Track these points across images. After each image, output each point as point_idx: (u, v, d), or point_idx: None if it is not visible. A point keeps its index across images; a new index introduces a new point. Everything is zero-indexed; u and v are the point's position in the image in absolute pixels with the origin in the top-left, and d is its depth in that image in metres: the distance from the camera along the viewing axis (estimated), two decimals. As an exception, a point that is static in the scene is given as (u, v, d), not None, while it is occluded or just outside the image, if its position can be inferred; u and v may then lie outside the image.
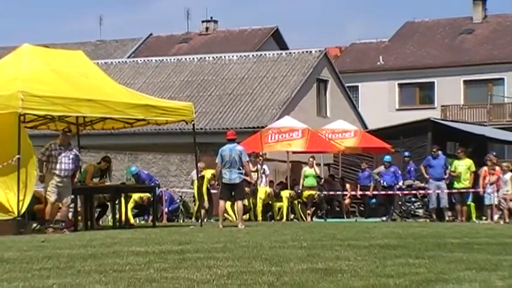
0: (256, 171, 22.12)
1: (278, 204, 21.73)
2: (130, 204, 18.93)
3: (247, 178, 18.19)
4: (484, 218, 21.98)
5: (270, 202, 21.64)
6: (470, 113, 42.24)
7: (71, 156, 14.95)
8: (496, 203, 21.71)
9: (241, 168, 16.30)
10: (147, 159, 26.01)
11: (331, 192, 23.77)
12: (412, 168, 23.75)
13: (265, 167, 22.83)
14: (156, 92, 32.22)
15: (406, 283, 7.10)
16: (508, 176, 21.87)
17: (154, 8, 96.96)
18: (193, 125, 17.35)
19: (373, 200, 24.02)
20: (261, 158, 22.85)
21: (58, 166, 14.77)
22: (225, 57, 35.48)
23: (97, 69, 17.25)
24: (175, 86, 34.31)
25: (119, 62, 38.13)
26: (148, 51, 45.92)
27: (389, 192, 22.93)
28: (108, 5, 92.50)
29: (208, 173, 20.17)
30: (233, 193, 16.47)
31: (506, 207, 21.87)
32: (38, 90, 14.84)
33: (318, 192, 22.80)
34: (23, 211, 14.49)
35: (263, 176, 22.48)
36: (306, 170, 23.30)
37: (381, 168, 23.89)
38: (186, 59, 36.54)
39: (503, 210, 21.85)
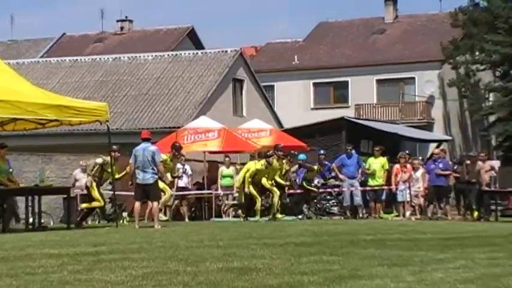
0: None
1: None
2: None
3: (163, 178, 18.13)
4: (396, 214, 22.45)
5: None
6: (383, 112, 42.98)
7: None
8: (408, 199, 22.20)
9: (155, 168, 16.23)
10: (61, 160, 25.58)
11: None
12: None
13: (187, 166, 22.74)
14: (71, 92, 31.76)
15: (320, 280, 7.19)
16: (419, 173, 22.40)
17: (67, 7, 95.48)
18: (108, 125, 17.17)
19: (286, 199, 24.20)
20: (182, 157, 22.81)
21: None
22: (140, 57, 35.25)
23: (8, 69, 16.91)
24: (90, 86, 33.90)
25: (31, 61, 37.44)
26: (62, 51, 45.20)
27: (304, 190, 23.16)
28: (19, 4, 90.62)
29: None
30: (147, 194, 16.39)
31: (417, 203, 22.40)
32: None
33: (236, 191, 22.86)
34: None
35: (184, 175, 22.38)
36: (223, 170, 23.36)
37: (296, 166, 24.11)
38: (100, 58, 36.15)
39: (415, 207, 22.37)
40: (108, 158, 17.49)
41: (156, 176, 16.33)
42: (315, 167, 22.64)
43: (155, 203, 16.51)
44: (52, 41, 48.84)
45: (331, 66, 44.15)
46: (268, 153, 19.72)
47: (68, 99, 17.84)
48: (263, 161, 19.52)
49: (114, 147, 17.91)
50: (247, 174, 19.33)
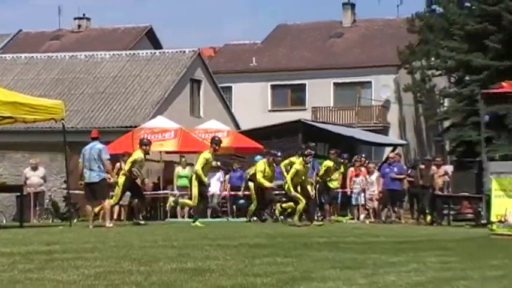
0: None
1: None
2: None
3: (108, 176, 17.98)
4: (350, 217, 22.61)
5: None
6: (339, 115, 43.21)
7: None
8: (363, 203, 22.38)
9: (101, 166, 16.20)
10: (16, 158, 25.30)
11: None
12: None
13: None
14: (26, 89, 31.42)
15: (273, 282, 7.22)
16: (374, 176, 22.59)
17: (24, 4, 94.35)
18: (63, 123, 17.05)
19: (242, 201, 24.23)
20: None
21: None
22: (97, 55, 35.02)
23: (-38, 65, 16.69)
24: (46, 83, 33.59)
25: (-14, 58, 36.97)
26: (18, 47, 44.67)
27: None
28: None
29: None
30: (94, 193, 16.33)
31: (372, 207, 22.59)
32: None
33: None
34: None
35: None
36: (180, 170, 23.34)
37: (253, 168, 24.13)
38: (57, 56, 35.85)
39: (369, 210, 22.56)
40: (142, 155, 17.29)
41: (103, 175, 16.30)
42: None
43: (106, 202, 16.45)
44: (8, 38, 48.24)
45: (289, 69, 44.29)
46: (306, 153, 18.06)
47: (23, 96, 17.65)
48: (301, 161, 17.93)
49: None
50: (289, 178, 17.82)
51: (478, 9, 37.50)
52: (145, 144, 17.50)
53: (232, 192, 24.40)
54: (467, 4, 39.60)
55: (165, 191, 23.33)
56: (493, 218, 16.56)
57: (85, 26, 49.83)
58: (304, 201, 17.59)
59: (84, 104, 31.94)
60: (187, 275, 7.52)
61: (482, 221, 18.71)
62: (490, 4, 36.49)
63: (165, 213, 22.78)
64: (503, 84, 19.17)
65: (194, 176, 17.51)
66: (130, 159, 17.35)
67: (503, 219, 15.29)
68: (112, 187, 18.20)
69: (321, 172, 20.79)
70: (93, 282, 7.03)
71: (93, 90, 32.67)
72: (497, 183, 17.31)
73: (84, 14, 50.42)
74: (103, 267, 8.04)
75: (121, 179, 17.28)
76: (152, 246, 10.75)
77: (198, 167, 17.32)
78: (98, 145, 16.44)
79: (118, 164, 22.04)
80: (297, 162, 17.91)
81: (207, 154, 17.44)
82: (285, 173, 18.23)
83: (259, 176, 18.88)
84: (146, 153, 17.58)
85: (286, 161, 18.60)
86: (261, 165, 19.29)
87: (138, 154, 17.34)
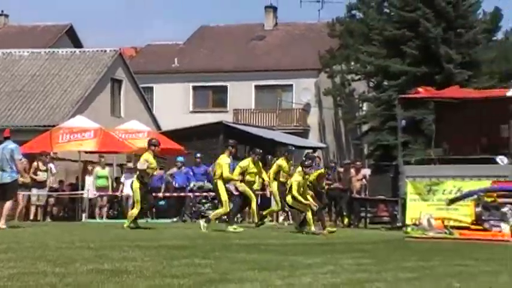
0: (46, 170, 21.83)
1: None
2: None
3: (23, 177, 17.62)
4: (269, 219, 22.71)
5: None
6: (260, 117, 43.44)
7: None
8: (282, 205, 22.50)
9: (13, 167, 15.94)
10: None
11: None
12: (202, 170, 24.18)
13: (51, 165, 22.44)
14: None
15: (190, 283, 7.24)
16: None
17: None
18: (-22, 122, 16.73)
19: (162, 202, 24.18)
20: (47, 157, 22.46)
21: None
22: (15, 52, 34.41)
23: None
24: (-39, 80, 32.82)
25: None
26: None
27: (181, 193, 23.15)
28: None
29: None
30: (5, 193, 16.04)
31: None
32: None
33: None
34: None
35: (49, 174, 22.17)
36: (98, 170, 23.12)
37: (174, 169, 24.11)
38: (-27, 52, 35.07)
39: (288, 212, 22.72)
40: (152, 156, 16.50)
41: (15, 175, 16.01)
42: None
43: (8, 202, 16.14)
44: None
45: (211, 70, 44.31)
46: (306, 164, 16.91)
47: None
48: (300, 172, 16.76)
49: None
50: (295, 191, 16.64)
51: (397, 15, 38.25)
52: (154, 144, 16.82)
53: (153, 194, 24.27)
54: (386, 10, 40.36)
55: (83, 191, 23.07)
56: (408, 221, 16.94)
57: (3, 23, 48.82)
58: (309, 210, 16.85)
59: (1, 102, 31.35)
60: (104, 276, 7.47)
61: (398, 224, 19.07)
62: (408, 11, 37.27)
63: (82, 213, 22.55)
64: (420, 89, 19.58)
65: (219, 183, 16.65)
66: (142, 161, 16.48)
67: (417, 222, 15.61)
68: (25, 187, 17.75)
69: (312, 177, 19.51)
70: (6, 284, 6.91)
71: (11, 89, 32.08)
72: (413, 187, 17.71)
73: (2, 11, 49.41)
74: (17, 268, 7.91)
75: (135, 184, 16.51)
76: (69, 247, 10.63)
77: (226, 174, 16.53)
78: (10, 145, 16.15)
79: (35, 163, 21.76)
80: (297, 175, 16.89)
81: (226, 159, 16.76)
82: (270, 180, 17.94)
83: (235, 171, 18.38)
84: (155, 154, 16.85)
85: (275, 167, 18.39)
86: (244, 162, 18.96)
87: (147, 155, 16.59)
